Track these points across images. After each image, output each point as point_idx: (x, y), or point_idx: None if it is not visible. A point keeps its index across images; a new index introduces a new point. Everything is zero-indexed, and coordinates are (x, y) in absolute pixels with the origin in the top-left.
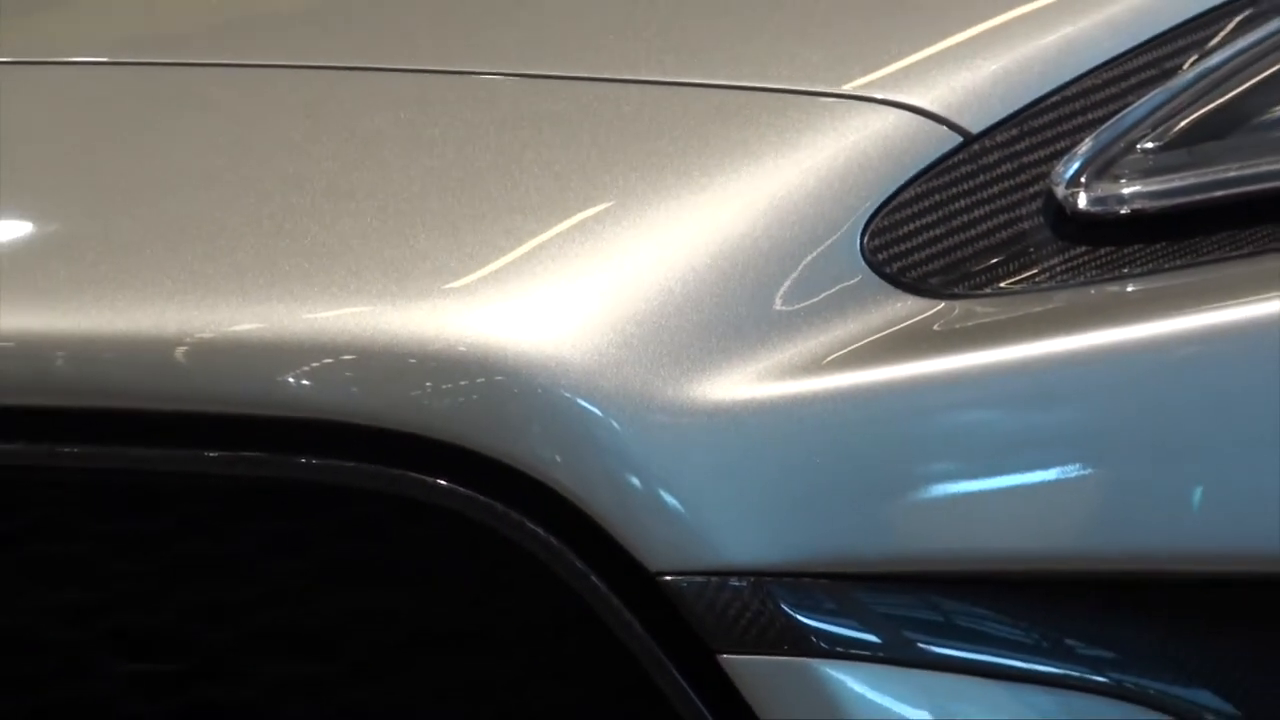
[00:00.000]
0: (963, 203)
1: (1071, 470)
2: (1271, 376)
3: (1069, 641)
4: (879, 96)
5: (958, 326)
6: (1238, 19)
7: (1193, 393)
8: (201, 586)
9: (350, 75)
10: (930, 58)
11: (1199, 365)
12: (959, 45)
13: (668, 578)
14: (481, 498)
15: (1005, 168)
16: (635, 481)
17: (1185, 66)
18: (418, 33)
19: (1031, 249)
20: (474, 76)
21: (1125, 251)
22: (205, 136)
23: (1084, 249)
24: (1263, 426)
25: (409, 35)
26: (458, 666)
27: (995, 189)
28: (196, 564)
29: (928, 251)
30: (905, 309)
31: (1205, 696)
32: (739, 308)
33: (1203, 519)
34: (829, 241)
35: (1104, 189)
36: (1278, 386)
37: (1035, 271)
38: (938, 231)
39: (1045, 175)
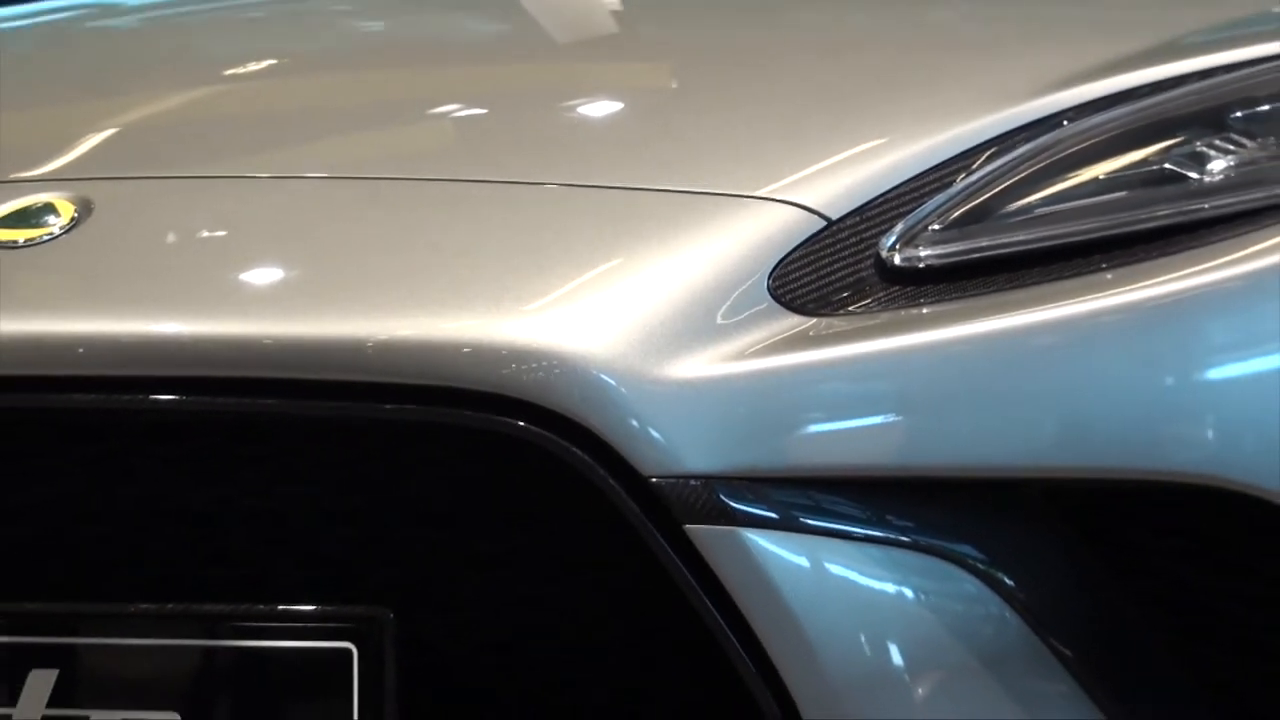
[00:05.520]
0: (827, 259)
1: (889, 417)
2: (1004, 363)
3: (889, 517)
4: (778, 197)
5: (824, 333)
6: (987, 154)
7: (959, 372)
8: (372, 490)
9: (458, 184)
10: (811, 173)
11: (962, 356)
12: (827, 166)
13: (654, 480)
14: (544, 433)
15: (852, 239)
16: (634, 423)
17: (957, 181)
18: (503, 155)
19: (867, 287)
20: (540, 185)
21: (921, 289)
22: (378, 222)
23: (897, 288)
24: (999, 390)
25: (496, 157)
26: (528, 535)
27: (846, 251)
28: (367, 479)
29: (806, 288)
30: (792, 323)
31: (967, 549)
32: (696, 322)
33: (967, 443)
34: (748, 283)
35: (910, 252)
36: (1014, 371)
37: (869, 301)
38: (812, 276)
39: (875, 243)
